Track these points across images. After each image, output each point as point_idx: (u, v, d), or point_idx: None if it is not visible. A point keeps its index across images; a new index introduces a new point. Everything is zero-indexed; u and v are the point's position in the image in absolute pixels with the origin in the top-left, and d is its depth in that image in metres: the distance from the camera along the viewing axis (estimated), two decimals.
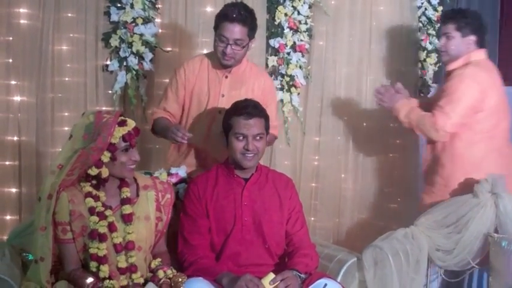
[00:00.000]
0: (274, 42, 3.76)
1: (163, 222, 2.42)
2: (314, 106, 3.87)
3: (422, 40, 4.00)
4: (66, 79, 3.44)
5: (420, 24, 4.02)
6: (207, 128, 2.91)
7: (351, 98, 3.88)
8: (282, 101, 3.78)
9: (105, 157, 2.22)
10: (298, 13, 3.77)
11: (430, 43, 4.01)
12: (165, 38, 3.62)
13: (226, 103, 2.80)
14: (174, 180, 2.71)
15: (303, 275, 2.37)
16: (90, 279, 2.17)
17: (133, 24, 3.48)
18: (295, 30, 3.78)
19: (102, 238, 2.21)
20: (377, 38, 3.91)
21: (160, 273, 2.29)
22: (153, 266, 2.33)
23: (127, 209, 2.29)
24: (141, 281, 2.26)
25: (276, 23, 3.76)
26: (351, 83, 3.89)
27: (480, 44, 3.11)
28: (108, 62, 3.50)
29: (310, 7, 3.81)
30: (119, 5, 3.47)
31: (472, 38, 3.08)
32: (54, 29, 3.38)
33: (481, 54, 3.11)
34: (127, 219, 2.27)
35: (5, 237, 2.95)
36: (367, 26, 3.91)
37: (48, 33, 3.35)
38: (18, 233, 2.55)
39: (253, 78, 2.95)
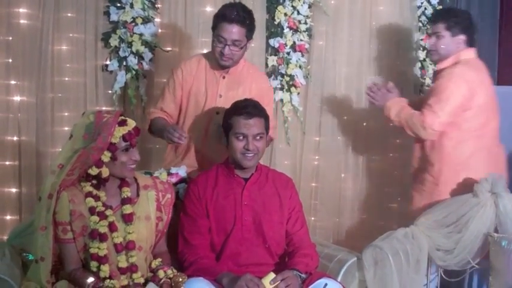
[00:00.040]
0: (274, 42, 3.76)
1: (163, 222, 2.41)
2: (314, 106, 3.87)
3: (422, 40, 4.00)
4: (66, 79, 3.44)
5: (420, 24, 4.03)
6: (204, 128, 2.90)
7: (351, 97, 3.89)
8: (282, 100, 3.79)
9: (106, 157, 2.22)
10: (298, 13, 3.77)
11: None
12: (165, 37, 3.62)
13: (223, 103, 2.80)
14: (174, 180, 2.71)
15: (303, 275, 2.37)
16: (90, 279, 2.17)
17: (133, 24, 3.48)
18: (295, 30, 3.78)
19: (102, 238, 2.21)
20: (377, 38, 3.91)
21: (161, 273, 2.29)
22: (153, 265, 2.33)
23: (127, 208, 2.28)
24: (142, 280, 2.26)
25: (276, 22, 3.77)
26: (350, 82, 3.89)
27: (470, 43, 3.12)
28: (108, 62, 3.50)
29: (309, 7, 3.81)
30: (118, 4, 3.47)
31: (462, 37, 3.09)
32: (54, 29, 3.38)
33: (470, 53, 3.13)
34: (127, 219, 2.27)
35: (5, 237, 2.95)
36: (367, 25, 3.92)
37: (48, 33, 3.35)
38: (19, 233, 2.55)
39: (250, 78, 2.94)
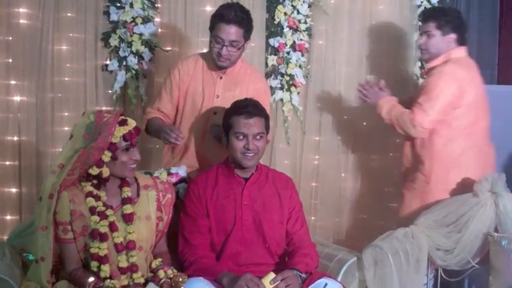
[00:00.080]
0: (274, 42, 3.76)
1: (164, 222, 2.41)
2: (314, 105, 3.88)
3: None
4: (66, 79, 3.45)
5: (420, 23, 4.02)
6: (201, 129, 2.90)
7: (351, 97, 3.88)
8: (281, 100, 3.79)
9: (106, 156, 2.22)
10: (298, 12, 3.77)
11: None
12: (165, 37, 3.62)
13: (220, 104, 2.80)
14: (174, 180, 2.70)
15: (303, 275, 2.37)
16: (91, 279, 2.17)
17: (133, 23, 3.49)
18: (295, 30, 3.79)
19: (103, 238, 2.21)
20: (376, 37, 3.91)
21: (161, 273, 2.29)
22: (153, 265, 2.33)
23: (128, 208, 2.28)
24: (142, 280, 2.26)
25: (276, 22, 3.77)
26: (350, 82, 3.89)
27: (460, 41, 3.13)
28: (108, 62, 3.51)
29: (309, 6, 3.81)
30: (118, 4, 3.48)
31: (453, 36, 3.10)
32: (54, 28, 3.39)
33: (461, 52, 3.13)
34: (128, 218, 2.27)
35: (5, 237, 2.95)
36: (367, 25, 3.91)
37: (48, 33, 3.36)
38: (19, 233, 2.55)
39: (247, 79, 2.94)
